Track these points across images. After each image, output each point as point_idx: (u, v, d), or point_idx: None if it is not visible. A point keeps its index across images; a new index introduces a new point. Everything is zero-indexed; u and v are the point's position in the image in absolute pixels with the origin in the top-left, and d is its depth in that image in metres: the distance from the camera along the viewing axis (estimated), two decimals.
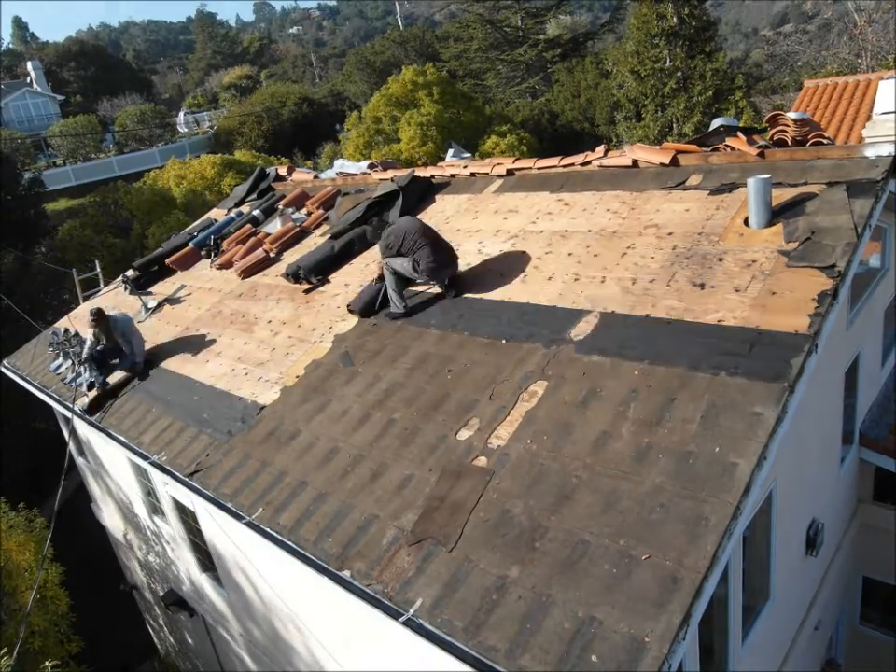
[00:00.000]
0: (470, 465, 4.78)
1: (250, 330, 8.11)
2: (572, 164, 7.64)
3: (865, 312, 6.97)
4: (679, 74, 26.81)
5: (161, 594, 10.15)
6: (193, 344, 8.58)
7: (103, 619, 12.24)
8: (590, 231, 6.49)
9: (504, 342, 5.67)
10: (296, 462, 5.74)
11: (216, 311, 9.12)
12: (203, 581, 8.48)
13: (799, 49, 36.53)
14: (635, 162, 7.01)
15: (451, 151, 11.34)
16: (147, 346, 9.13)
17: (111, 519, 11.88)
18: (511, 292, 6.25)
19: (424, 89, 29.13)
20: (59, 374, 9.78)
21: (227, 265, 10.18)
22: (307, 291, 8.20)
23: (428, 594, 4.11)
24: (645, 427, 4.36)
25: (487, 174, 8.50)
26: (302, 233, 9.90)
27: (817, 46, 36.30)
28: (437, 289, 6.84)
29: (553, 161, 7.86)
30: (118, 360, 8.80)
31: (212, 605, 8.66)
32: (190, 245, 11.49)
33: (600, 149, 7.54)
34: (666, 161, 6.68)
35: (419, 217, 8.52)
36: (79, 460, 11.74)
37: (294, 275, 8.44)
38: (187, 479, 6.32)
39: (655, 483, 4.03)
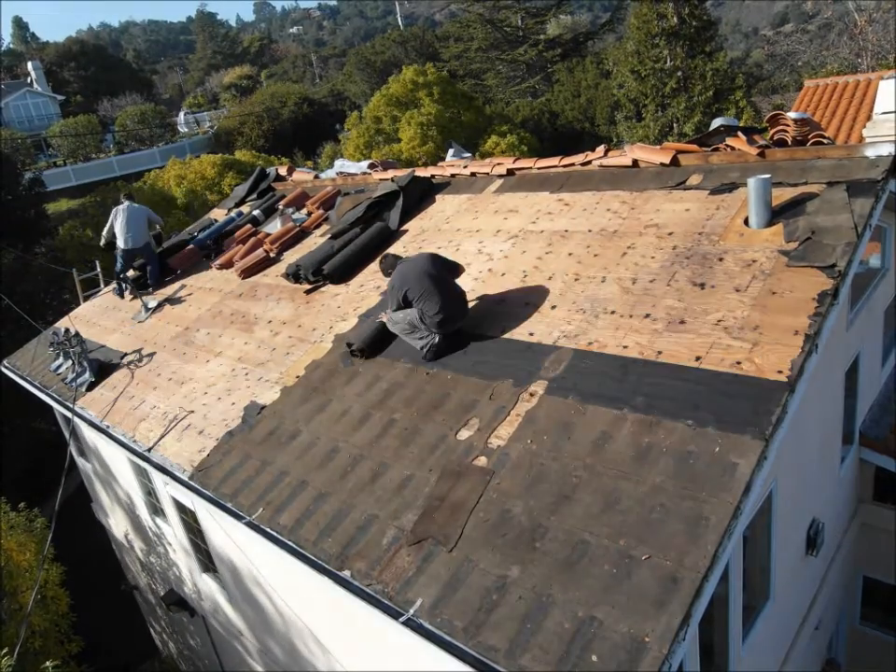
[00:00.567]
0: (470, 465, 4.78)
1: (250, 330, 8.11)
2: (572, 164, 7.64)
3: (865, 312, 6.97)
4: (679, 73, 26.84)
5: (162, 594, 10.15)
6: (193, 344, 8.59)
7: (103, 619, 12.25)
8: (590, 230, 6.48)
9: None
10: (296, 462, 5.75)
11: (216, 311, 9.13)
12: (204, 582, 8.49)
13: (799, 48, 36.56)
14: (635, 162, 7.01)
15: (451, 151, 11.33)
16: (148, 346, 9.15)
17: (111, 519, 11.89)
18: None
19: (424, 88, 29.14)
20: (59, 374, 9.78)
21: (227, 265, 10.18)
22: (308, 292, 8.20)
23: (428, 593, 4.11)
24: (645, 427, 4.36)
25: (487, 173, 8.50)
26: (302, 233, 9.90)
27: (817, 45, 36.32)
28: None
29: (554, 160, 7.86)
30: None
31: (213, 605, 8.66)
32: (191, 244, 11.51)
33: (600, 149, 7.53)
34: (667, 160, 6.68)
35: (418, 217, 8.55)
36: (79, 460, 11.75)
37: (294, 275, 8.44)
38: (187, 479, 6.33)
39: (655, 483, 4.03)
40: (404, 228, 8.48)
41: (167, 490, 7.95)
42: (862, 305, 6.83)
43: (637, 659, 3.31)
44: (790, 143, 6.41)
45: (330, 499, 5.18)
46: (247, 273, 9.53)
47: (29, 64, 63.56)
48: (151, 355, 8.94)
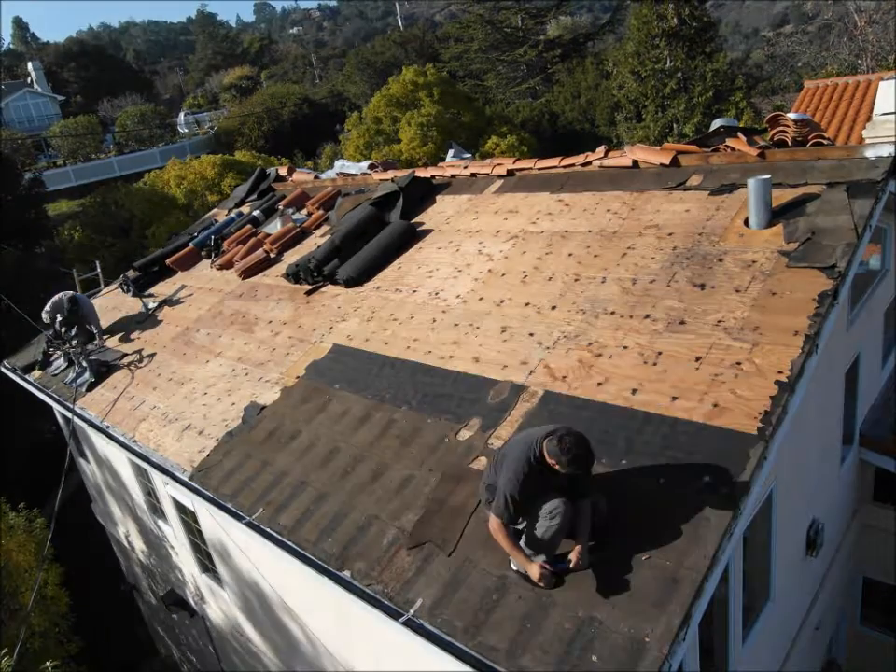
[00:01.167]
0: (470, 468, 4.79)
1: (251, 331, 8.11)
2: (572, 165, 7.64)
3: (865, 312, 6.97)
4: (679, 74, 26.83)
5: (162, 594, 10.15)
6: (193, 345, 8.59)
7: (103, 619, 12.24)
8: (590, 231, 6.49)
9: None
10: (296, 462, 5.75)
11: (216, 311, 9.13)
12: (204, 582, 8.48)
13: (799, 49, 36.55)
14: (635, 163, 7.02)
15: (451, 152, 11.33)
16: (148, 347, 9.15)
17: (111, 519, 11.88)
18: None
19: (424, 89, 29.13)
20: (59, 374, 9.78)
21: (227, 265, 10.18)
22: (308, 292, 8.20)
23: (429, 594, 4.11)
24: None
25: (488, 174, 8.50)
26: (303, 234, 9.90)
27: (817, 46, 36.31)
28: None
29: (554, 161, 7.86)
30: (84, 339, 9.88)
31: (214, 606, 8.66)
32: (191, 245, 11.50)
33: (600, 150, 7.54)
34: (667, 161, 6.68)
35: (418, 218, 8.53)
36: (80, 460, 11.74)
37: (294, 276, 8.44)
38: (186, 479, 6.33)
39: (655, 483, 4.03)
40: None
41: (167, 490, 7.95)
42: (862, 306, 6.83)
43: (637, 659, 3.31)
44: (790, 144, 6.42)
45: (330, 499, 5.19)
46: (247, 273, 9.53)
47: (29, 65, 63.54)
48: (151, 355, 8.94)
